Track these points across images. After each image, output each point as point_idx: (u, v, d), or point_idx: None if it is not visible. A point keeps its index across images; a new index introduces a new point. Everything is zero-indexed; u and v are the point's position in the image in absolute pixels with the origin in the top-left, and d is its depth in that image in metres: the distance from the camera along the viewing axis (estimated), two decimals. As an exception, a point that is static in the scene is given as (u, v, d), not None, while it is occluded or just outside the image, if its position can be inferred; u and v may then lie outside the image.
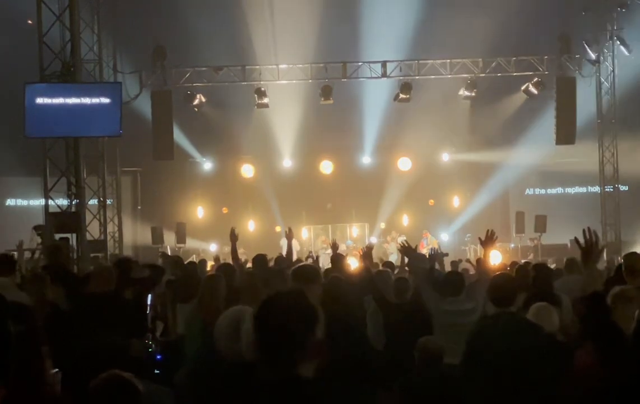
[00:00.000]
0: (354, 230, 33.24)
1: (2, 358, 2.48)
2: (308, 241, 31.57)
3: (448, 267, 14.77)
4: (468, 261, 17.71)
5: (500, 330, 6.34)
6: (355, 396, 5.92)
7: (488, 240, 8.31)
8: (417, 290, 9.04)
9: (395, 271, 12.51)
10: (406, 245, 9.72)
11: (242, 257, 19.34)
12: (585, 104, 27.41)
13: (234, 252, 11.60)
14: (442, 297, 8.49)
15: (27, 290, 8.56)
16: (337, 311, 6.73)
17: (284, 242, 27.13)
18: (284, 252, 13.53)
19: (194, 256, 25.70)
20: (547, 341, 6.41)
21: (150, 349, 8.61)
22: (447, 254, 18.70)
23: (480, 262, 12.48)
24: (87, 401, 4.10)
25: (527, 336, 6.30)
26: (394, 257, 22.49)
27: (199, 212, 31.92)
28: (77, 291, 9.25)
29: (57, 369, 6.09)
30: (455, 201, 32.31)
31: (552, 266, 14.36)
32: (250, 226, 31.22)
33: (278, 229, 30.51)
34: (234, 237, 11.55)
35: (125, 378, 4.32)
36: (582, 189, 32.10)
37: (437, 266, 11.51)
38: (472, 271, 13.48)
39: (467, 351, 6.66)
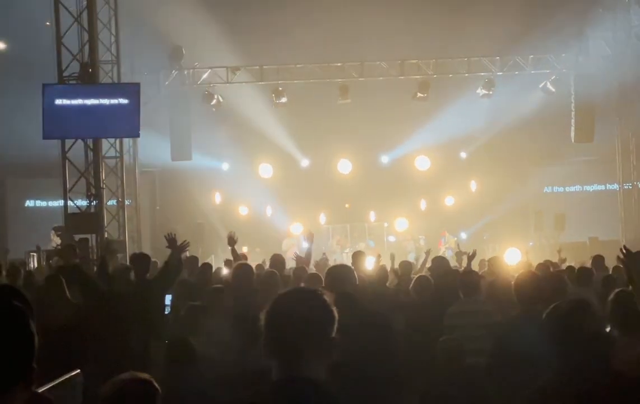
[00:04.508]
0: (372, 229, 33.11)
1: (27, 359, 2.49)
2: (324, 241, 31.51)
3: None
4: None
5: (527, 330, 6.33)
6: (368, 397, 5.87)
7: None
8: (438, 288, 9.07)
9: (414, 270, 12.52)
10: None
11: (261, 258, 19.47)
12: (603, 101, 27.23)
13: (234, 253, 11.76)
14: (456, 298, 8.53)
15: (47, 291, 8.60)
16: (366, 310, 6.68)
17: (285, 244, 27.41)
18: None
19: (212, 256, 25.73)
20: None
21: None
22: (466, 253, 18.67)
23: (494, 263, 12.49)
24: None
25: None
26: (412, 256, 22.49)
27: (217, 212, 31.83)
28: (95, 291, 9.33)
29: (78, 370, 6.11)
30: (473, 200, 32.14)
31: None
32: (268, 225, 31.16)
33: (292, 228, 30.35)
34: (232, 241, 11.69)
35: (144, 378, 4.16)
36: (601, 187, 31.91)
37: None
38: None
39: (494, 352, 6.66)
